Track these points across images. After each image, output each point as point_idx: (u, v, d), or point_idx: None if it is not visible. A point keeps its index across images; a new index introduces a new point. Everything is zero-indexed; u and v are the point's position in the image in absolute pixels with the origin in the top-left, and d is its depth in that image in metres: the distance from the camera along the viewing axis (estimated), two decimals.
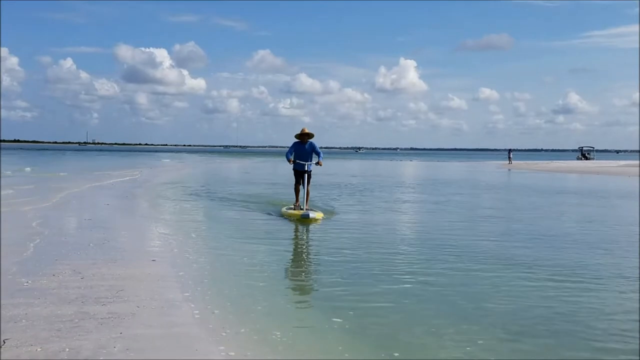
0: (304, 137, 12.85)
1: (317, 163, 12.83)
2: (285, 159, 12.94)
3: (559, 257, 8.19)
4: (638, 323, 5.12)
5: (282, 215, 12.39)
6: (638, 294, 6.14)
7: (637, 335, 4.81)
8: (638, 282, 6.64)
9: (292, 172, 13.11)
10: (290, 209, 12.76)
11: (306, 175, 12.77)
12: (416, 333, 4.77)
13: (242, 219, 12.25)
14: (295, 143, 12.93)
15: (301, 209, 12.37)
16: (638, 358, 4.32)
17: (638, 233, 10.58)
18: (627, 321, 5.22)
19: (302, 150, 12.83)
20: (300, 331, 4.81)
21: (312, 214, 11.66)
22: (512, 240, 9.71)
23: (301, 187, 12.88)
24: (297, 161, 12.82)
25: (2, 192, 15.20)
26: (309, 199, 12.88)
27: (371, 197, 18.20)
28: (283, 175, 25.55)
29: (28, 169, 32.51)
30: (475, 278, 6.82)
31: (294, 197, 13.09)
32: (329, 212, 12.96)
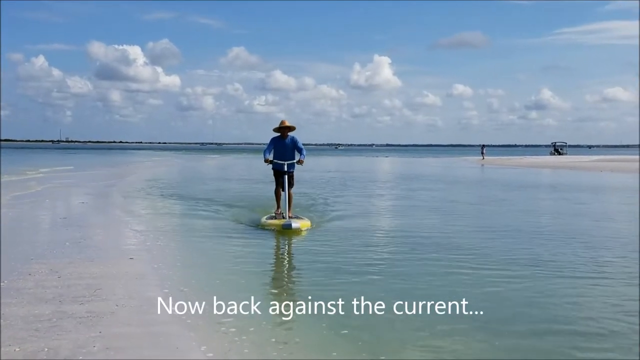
0: (284, 130, 10.82)
1: (298, 162, 10.83)
2: (263, 157, 10.87)
3: (534, 250, 8.32)
4: (614, 310, 5.25)
5: (260, 227, 10.43)
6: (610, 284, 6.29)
7: (615, 323, 4.93)
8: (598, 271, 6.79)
9: (271, 172, 11.17)
10: (272, 217, 10.76)
11: (287, 177, 10.76)
12: (394, 330, 4.79)
13: (213, 238, 9.34)
14: (273, 139, 10.91)
15: (283, 217, 10.53)
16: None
17: (615, 226, 10.80)
18: (604, 310, 5.34)
19: (282, 146, 10.82)
20: (282, 330, 4.82)
21: (294, 224, 9.89)
22: (488, 235, 9.85)
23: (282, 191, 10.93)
24: (276, 160, 10.82)
25: None
26: (292, 204, 10.87)
27: (359, 196, 17.49)
28: (262, 171, 25.42)
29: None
30: (455, 274, 6.89)
31: (275, 201, 11.16)
32: (315, 216, 11.70)
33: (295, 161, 10.85)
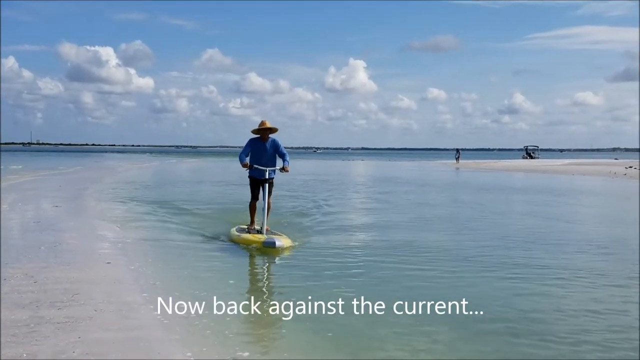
0: (264, 132, 9.37)
1: (283, 169, 9.32)
2: (239, 161, 9.43)
3: (511, 253, 8.46)
4: (591, 314, 5.35)
5: (232, 241, 9.22)
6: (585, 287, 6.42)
7: (592, 324, 5.03)
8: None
9: (248, 178, 9.67)
10: (243, 230, 9.53)
11: (267, 184, 9.31)
12: (379, 332, 4.81)
13: (191, 240, 9.30)
14: (251, 141, 9.43)
15: (259, 232, 9.21)
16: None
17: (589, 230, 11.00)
18: (582, 312, 5.45)
19: (262, 150, 9.35)
20: (264, 333, 4.83)
21: (278, 242, 8.45)
22: (466, 239, 9.97)
23: (257, 202, 9.64)
24: (255, 166, 9.33)
25: None
26: (268, 215, 9.35)
27: (344, 205, 16.16)
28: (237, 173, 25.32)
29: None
30: (435, 277, 6.97)
31: (249, 215, 9.77)
32: (297, 231, 10.24)
33: (278, 168, 9.39)
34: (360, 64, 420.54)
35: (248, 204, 9.83)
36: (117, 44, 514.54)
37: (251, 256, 8.30)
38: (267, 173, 9.27)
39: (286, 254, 8.34)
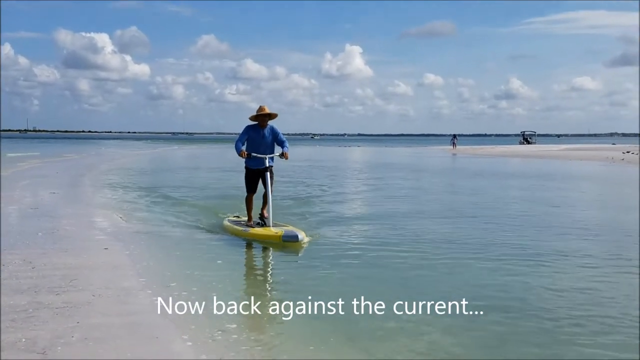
0: (263, 119, 8.74)
1: (282, 155, 8.67)
2: (235, 150, 8.72)
3: (508, 238, 8.50)
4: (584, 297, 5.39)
5: (234, 235, 8.59)
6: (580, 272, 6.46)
7: (586, 308, 5.07)
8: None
9: (244, 168, 9.01)
10: (237, 222, 9.07)
11: (267, 174, 8.65)
12: (379, 332, 4.68)
13: (187, 227, 9.25)
14: (248, 127, 8.80)
15: (260, 224, 8.68)
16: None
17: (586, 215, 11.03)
18: (576, 296, 5.49)
19: (260, 137, 8.73)
20: (259, 318, 4.84)
21: (300, 235, 7.87)
22: (468, 229, 10.02)
23: (255, 194, 8.98)
24: (253, 154, 8.69)
25: None
26: (268, 206, 8.63)
27: (344, 194, 15.21)
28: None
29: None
30: (431, 261, 7.00)
31: (246, 210, 9.06)
32: (305, 222, 9.61)
33: (277, 154, 8.76)
34: (356, 49, 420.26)
35: (245, 197, 9.04)
36: (113, 31, 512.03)
37: (249, 252, 7.93)
38: (267, 161, 8.66)
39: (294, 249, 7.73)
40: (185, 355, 4.01)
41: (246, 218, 9.10)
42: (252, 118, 8.82)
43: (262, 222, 8.73)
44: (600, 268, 6.69)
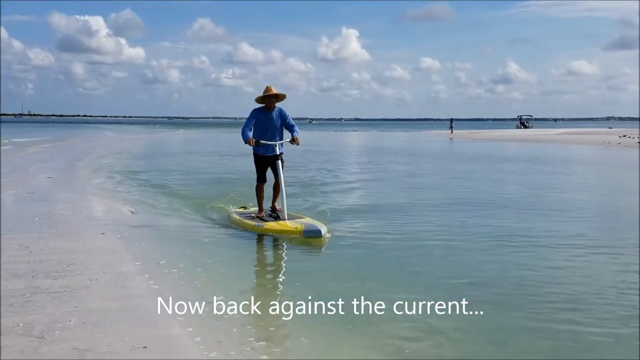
0: (270, 100, 8.00)
1: (292, 140, 8.03)
2: (241, 137, 8.00)
3: (503, 222, 8.53)
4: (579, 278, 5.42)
5: (232, 223, 8.20)
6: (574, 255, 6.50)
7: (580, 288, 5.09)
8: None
9: (252, 156, 8.33)
10: (245, 214, 8.38)
11: (279, 162, 8.01)
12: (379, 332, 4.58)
13: (184, 211, 9.27)
14: (255, 111, 8.06)
15: (272, 217, 7.98)
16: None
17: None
18: (570, 279, 5.51)
19: (268, 121, 8.02)
20: (258, 306, 4.83)
21: (322, 229, 7.23)
22: (462, 209, 10.03)
23: (269, 184, 8.26)
24: (262, 141, 7.99)
25: None
26: (281, 198, 7.99)
27: (343, 182, 14.40)
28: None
29: None
30: (429, 247, 7.01)
31: (257, 201, 8.41)
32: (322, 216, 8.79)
33: (288, 140, 8.11)
34: (353, 32, 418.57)
35: (255, 187, 8.40)
36: (107, 13, 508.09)
37: (250, 249, 7.24)
38: (277, 148, 8.01)
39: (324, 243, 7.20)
40: (184, 338, 4.02)
41: (255, 209, 8.50)
42: (259, 100, 8.07)
43: (275, 214, 8.04)
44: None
